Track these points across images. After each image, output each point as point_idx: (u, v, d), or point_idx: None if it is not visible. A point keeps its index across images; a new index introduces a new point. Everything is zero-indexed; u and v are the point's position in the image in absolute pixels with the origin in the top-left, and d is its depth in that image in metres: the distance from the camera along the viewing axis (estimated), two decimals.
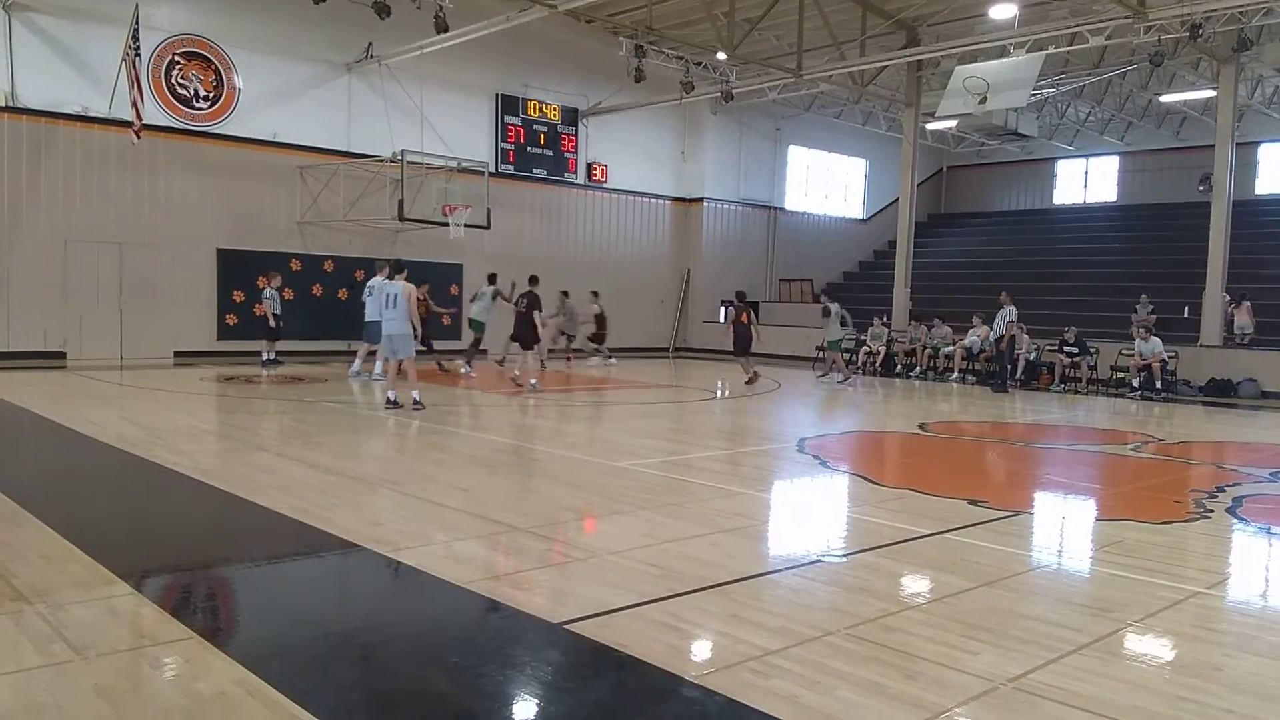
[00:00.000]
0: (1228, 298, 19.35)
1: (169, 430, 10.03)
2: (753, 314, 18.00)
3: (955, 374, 19.85)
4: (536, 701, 3.58)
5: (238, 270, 18.63)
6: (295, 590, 5.03)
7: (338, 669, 3.79)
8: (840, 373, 18.68)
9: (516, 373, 15.07)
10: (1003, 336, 17.93)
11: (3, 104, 16.11)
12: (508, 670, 3.81)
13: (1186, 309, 20.02)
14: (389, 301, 11.57)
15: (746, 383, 17.07)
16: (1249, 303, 19.63)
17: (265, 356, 17.17)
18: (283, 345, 17.60)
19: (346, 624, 4.41)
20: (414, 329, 11.73)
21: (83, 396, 12.90)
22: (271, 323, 17.03)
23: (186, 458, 8.23)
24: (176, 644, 3.92)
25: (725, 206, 26.98)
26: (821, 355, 19.46)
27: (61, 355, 16.87)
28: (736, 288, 27.02)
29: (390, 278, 12.28)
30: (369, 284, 15.22)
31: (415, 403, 11.64)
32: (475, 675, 3.72)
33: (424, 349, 15.18)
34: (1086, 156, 30.89)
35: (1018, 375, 18.53)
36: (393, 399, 11.78)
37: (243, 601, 4.89)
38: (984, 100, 18.42)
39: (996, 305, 18.48)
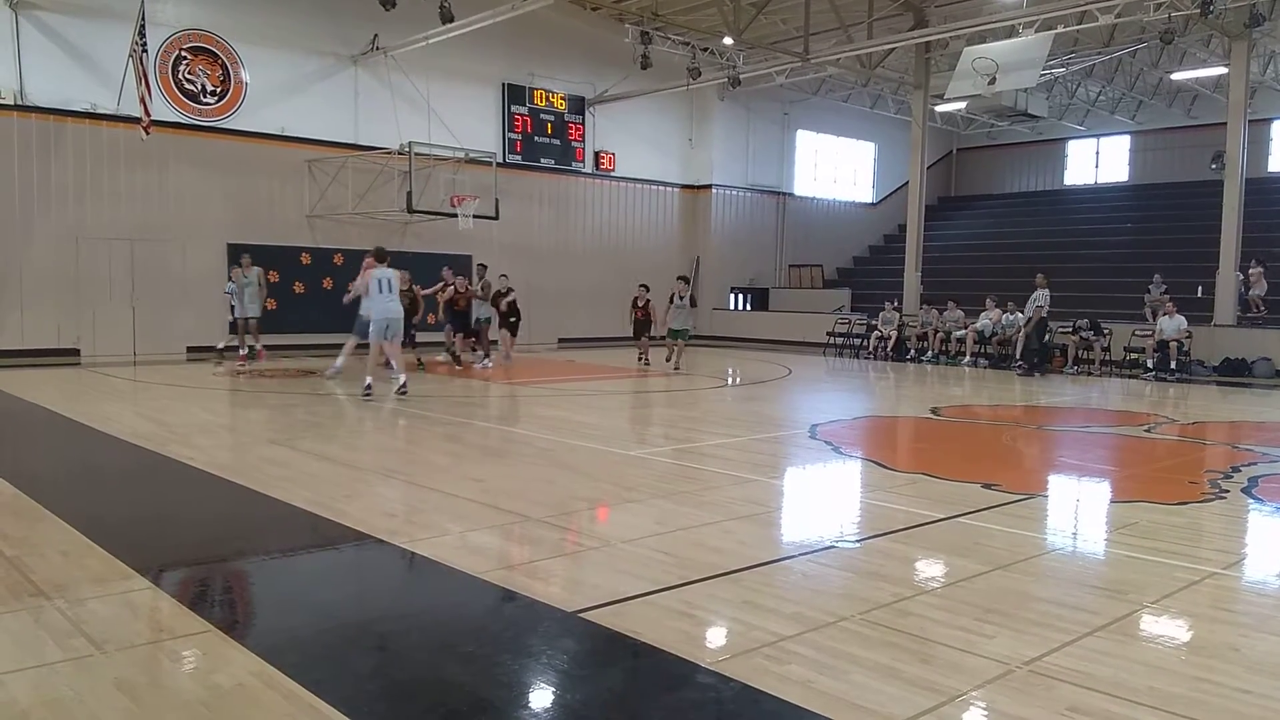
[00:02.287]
0: (1253, 267, 19.35)
1: (183, 425, 10.09)
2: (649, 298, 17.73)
3: (967, 357, 19.79)
4: (552, 689, 3.59)
5: None
6: (311, 582, 5.06)
7: (354, 659, 3.81)
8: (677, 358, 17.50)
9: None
10: (1031, 319, 17.45)
11: (11, 102, 16.17)
12: (523, 659, 3.83)
13: (1200, 288, 19.88)
14: (386, 286, 11.73)
15: (645, 362, 17.70)
16: (1262, 268, 19.58)
17: (242, 349, 16.92)
18: (296, 339, 17.64)
19: (362, 615, 4.43)
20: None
21: (97, 393, 12.98)
22: (231, 314, 16.76)
23: (200, 452, 8.27)
24: (194, 637, 3.95)
25: (734, 193, 26.90)
26: (679, 342, 17.28)
27: (75, 352, 16.97)
28: (749, 274, 27.24)
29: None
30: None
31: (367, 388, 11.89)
32: (491, 664, 3.74)
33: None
34: (1097, 136, 30.68)
35: (1047, 359, 18.04)
36: (374, 384, 11.99)
37: (259, 594, 4.92)
38: (993, 81, 18.31)
39: (1012, 289, 18.37)
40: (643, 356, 17.97)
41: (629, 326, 18.03)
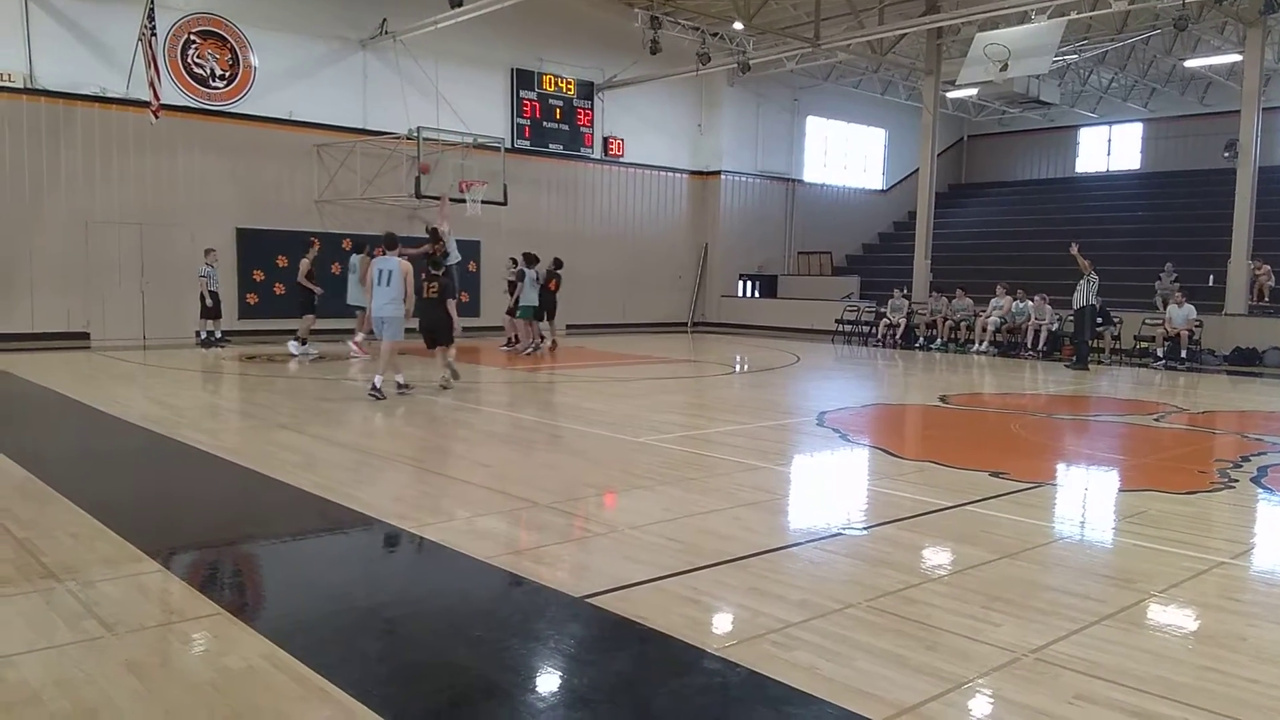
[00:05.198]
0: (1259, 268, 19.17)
1: (193, 409, 10.14)
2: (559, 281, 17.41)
3: (977, 345, 19.73)
4: (559, 674, 3.61)
5: (257, 249, 18.74)
6: (320, 566, 5.08)
7: (363, 643, 3.83)
8: (530, 342, 17.11)
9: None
10: (1083, 308, 16.74)
11: (21, 86, 16.19)
12: (531, 643, 3.85)
13: (1212, 277, 19.77)
14: (385, 279, 10.67)
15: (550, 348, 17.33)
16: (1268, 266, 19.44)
17: (202, 334, 17.00)
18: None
19: (371, 599, 4.45)
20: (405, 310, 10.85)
21: (107, 376, 13.03)
22: (208, 301, 16.76)
23: (210, 436, 8.31)
24: (204, 619, 3.98)
25: (743, 179, 26.80)
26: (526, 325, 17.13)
27: (85, 336, 17.04)
28: (757, 261, 27.19)
29: (382, 253, 11.18)
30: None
31: (374, 389, 10.73)
32: (499, 648, 3.76)
33: None
34: (1110, 124, 30.47)
35: (1087, 353, 17.23)
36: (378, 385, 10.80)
37: (268, 577, 4.95)
38: (1005, 67, 18.16)
39: (1022, 277, 18.13)
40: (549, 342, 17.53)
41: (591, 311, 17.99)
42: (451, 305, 11.46)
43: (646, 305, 25.29)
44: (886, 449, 8.76)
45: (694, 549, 5.08)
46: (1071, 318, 17.75)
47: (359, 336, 15.79)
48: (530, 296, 16.87)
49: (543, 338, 17.49)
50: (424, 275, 11.40)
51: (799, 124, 27.93)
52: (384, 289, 10.79)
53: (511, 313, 17.73)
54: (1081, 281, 16.77)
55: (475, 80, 21.48)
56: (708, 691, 3.44)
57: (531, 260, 17.10)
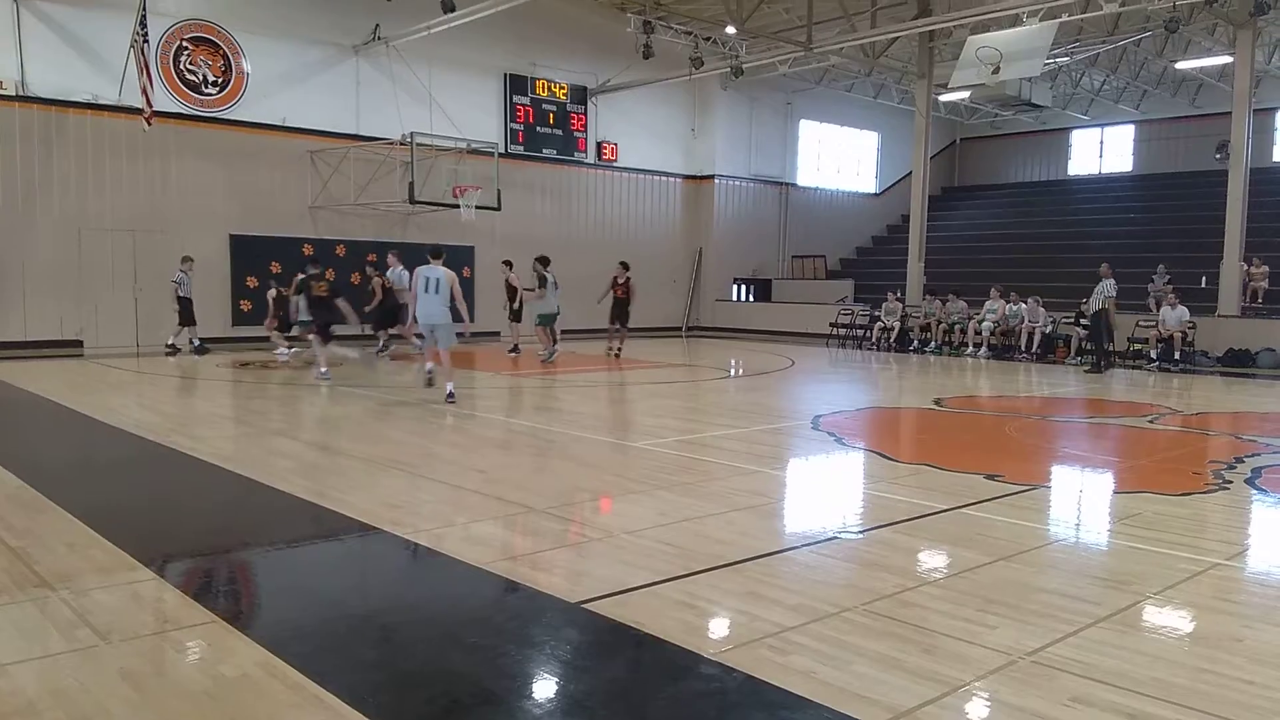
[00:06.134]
0: (1254, 266, 19.23)
1: (186, 416, 10.11)
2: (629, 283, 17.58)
3: (970, 348, 19.76)
4: (555, 680, 3.60)
5: (250, 256, 18.70)
6: (315, 573, 5.07)
7: (358, 650, 3.82)
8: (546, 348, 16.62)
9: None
10: (1100, 311, 16.66)
11: (13, 93, 16.16)
12: (526, 649, 3.84)
13: (1204, 278, 19.83)
14: (432, 286, 10.87)
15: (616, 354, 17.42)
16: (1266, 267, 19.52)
17: (195, 342, 16.87)
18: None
19: (366, 605, 4.44)
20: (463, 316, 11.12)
21: (101, 384, 13.00)
22: (177, 305, 16.63)
23: (204, 443, 8.28)
24: (199, 628, 3.97)
25: (736, 183, 26.84)
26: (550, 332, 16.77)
27: (78, 344, 16.99)
28: (751, 265, 27.21)
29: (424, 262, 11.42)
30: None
31: (449, 396, 10.96)
32: (494, 654, 3.75)
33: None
34: (1102, 126, 30.59)
35: (1113, 354, 17.15)
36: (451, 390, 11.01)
37: (263, 585, 4.93)
38: (997, 70, 18.21)
39: (1015, 279, 18.18)
40: (614, 348, 17.69)
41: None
42: (341, 302, 12.89)
43: (640, 310, 24.95)
44: (881, 452, 8.77)
45: (689, 554, 5.08)
46: (1069, 320, 17.81)
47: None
48: (550, 304, 16.51)
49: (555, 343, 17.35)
50: (315, 279, 12.93)
51: (792, 128, 27.97)
52: (433, 296, 10.88)
53: (516, 318, 17.51)
54: (1101, 284, 16.62)
55: (468, 85, 21.48)
56: (704, 697, 3.44)
57: (544, 262, 16.65)
